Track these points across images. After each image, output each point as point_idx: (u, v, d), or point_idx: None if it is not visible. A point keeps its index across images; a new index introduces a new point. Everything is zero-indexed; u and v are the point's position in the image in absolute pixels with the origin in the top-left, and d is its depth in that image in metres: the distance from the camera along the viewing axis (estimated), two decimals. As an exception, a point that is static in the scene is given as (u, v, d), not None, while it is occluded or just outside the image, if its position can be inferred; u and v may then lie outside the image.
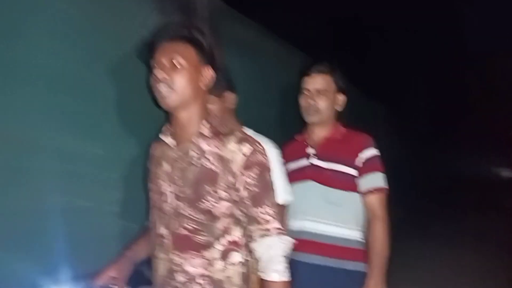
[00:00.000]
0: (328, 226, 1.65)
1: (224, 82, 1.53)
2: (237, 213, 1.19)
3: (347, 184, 1.66)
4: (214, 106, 1.49)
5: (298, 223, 1.69)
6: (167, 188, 1.22)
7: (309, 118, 1.74)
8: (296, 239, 1.63)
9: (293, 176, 1.74)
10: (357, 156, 1.66)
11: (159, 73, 1.16)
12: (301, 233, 1.67)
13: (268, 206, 1.18)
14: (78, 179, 1.42)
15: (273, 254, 1.17)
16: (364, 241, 1.68)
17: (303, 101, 1.75)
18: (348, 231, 1.65)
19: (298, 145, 1.81)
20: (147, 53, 1.23)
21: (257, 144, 1.20)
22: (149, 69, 1.22)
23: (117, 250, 1.37)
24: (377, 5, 3.29)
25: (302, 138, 1.83)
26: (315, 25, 3.31)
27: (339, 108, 1.78)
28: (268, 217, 1.17)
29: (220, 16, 2.38)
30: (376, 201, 1.66)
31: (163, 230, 1.22)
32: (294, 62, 2.70)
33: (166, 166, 1.24)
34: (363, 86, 5.13)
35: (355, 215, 1.67)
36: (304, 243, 1.65)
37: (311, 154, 1.73)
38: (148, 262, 1.32)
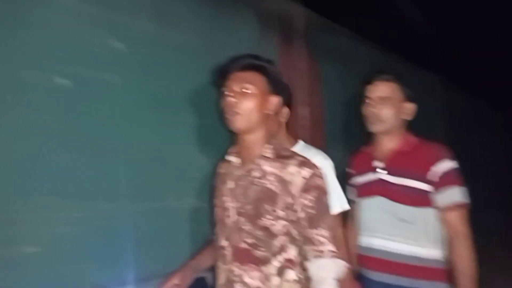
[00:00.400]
0: (398, 244, 1.58)
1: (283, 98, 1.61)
2: (294, 232, 1.23)
3: (418, 199, 1.57)
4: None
5: (366, 240, 1.66)
6: (230, 204, 1.29)
7: (372, 128, 1.66)
8: (365, 256, 1.66)
9: (361, 191, 1.70)
10: (429, 169, 1.55)
11: (229, 99, 1.26)
12: (370, 250, 1.64)
13: (324, 228, 1.21)
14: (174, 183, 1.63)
15: (325, 276, 1.18)
16: (443, 260, 1.59)
17: (365, 110, 1.68)
18: (421, 249, 1.56)
19: (365, 157, 1.74)
20: (220, 80, 1.34)
21: (316, 169, 1.24)
22: (221, 95, 1.33)
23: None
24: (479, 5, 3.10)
25: (369, 150, 1.75)
26: (414, 29, 3.24)
27: (407, 117, 1.67)
28: (322, 239, 1.20)
29: (316, 28, 2.50)
30: (457, 218, 1.54)
31: (224, 243, 1.30)
32: (391, 67, 2.70)
33: (230, 184, 1.32)
34: (469, 89, 4.84)
35: (428, 232, 1.57)
36: (373, 260, 1.63)
37: (379, 168, 1.66)
38: (212, 271, 1.41)
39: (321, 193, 1.22)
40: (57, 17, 1.33)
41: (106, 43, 1.45)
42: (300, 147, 1.63)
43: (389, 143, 1.66)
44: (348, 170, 1.82)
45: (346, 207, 1.64)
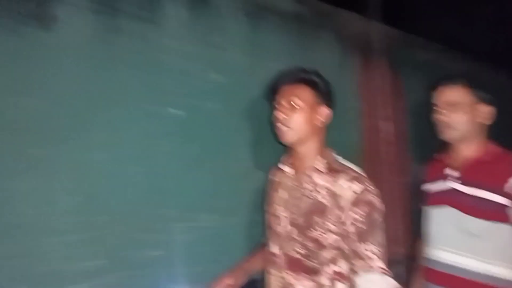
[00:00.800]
0: (466, 259, 1.47)
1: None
2: (344, 246, 1.21)
3: (493, 213, 1.44)
4: None
5: (433, 252, 1.58)
6: (282, 213, 1.32)
7: (443, 135, 1.57)
8: (431, 270, 1.58)
9: (430, 200, 1.62)
10: (506, 181, 1.42)
11: (279, 113, 1.30)
12: (437, 263, 1.56)
13: (373, 244, 1.18)
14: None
15: None
16: None
17: (435, 118, 1.59)
18: (493, 267, 1.45)
19: (439, 165, 1.64)
20: (271, 95, 1.40)
21: (368, 184, 1.22)
22: (272, 109, 1.39)
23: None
24: None
25: (443, 157, 1.65)
26: (502, 35, 3.12)
27: (484, 121, 1.54)
28: (372, 255, 1.17)
29: (397, 44, 2.56)
30: None
31: (276, 250, 1.32)
32: (480, 76, 2.65)
33: (282, 193, 1.35)
34: None
35: (502, 250, 1.45)
36: (440, 275, 1.54)
37: (452, 177, 1.56)
38: (263, 275, 1.44)
39: (372, 208, 1.20)
40: (168, 58, 1.60)
41: (208, 76, 1.70)
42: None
43: (466, 151, 1.55)
44: (421, 178, 1.77)
45: None
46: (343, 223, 1.20)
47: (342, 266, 1.22)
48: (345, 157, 1.35)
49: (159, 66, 1.57)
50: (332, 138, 1.43)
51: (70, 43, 1.39)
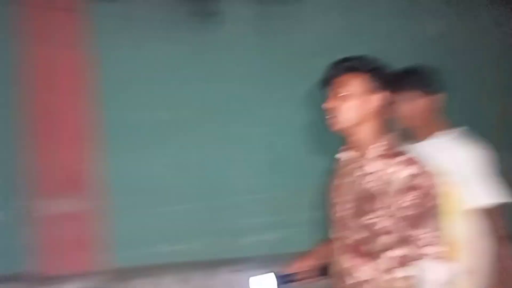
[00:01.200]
0: None
1: (437, 84, 1.59)
2: (396, 232, 1.21)
3: None
4: (421, 104, 1.53)
5: None
6: (337, 199, 1.37)
7: None
8: None
9: None
10: None
11: (328, 103, 1.32)
12: None
13: (425, 229, 1.18)
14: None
15: (427, 278, 1.16)
16: None
17: None
18: None
19: None
20: (323, 86, 1.37)
21: (422, 167, 1.21)
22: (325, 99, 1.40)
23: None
24: None
25: None
26: None
27: None
28: (423, 240, 1.18)
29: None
30: None
31: (334, 236, 1.39)
32: None
33: (338, 179, 1.39)
34: None
35: None
36: None
37: None
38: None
39: (424, 192, 1.19)
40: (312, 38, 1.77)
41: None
42: (454, 135, 1.60)
43: None
44: None
45: (495, 201, 1.51)
46: (395, 209, 1.21)
47: (397, 252, 1.23)
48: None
49: (306, 46, 1.76)
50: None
51: (234, 34, 1.68)
